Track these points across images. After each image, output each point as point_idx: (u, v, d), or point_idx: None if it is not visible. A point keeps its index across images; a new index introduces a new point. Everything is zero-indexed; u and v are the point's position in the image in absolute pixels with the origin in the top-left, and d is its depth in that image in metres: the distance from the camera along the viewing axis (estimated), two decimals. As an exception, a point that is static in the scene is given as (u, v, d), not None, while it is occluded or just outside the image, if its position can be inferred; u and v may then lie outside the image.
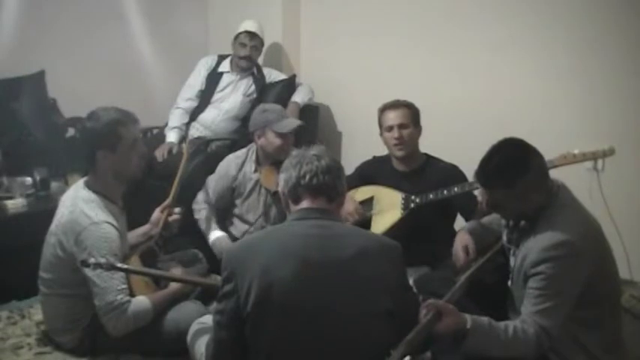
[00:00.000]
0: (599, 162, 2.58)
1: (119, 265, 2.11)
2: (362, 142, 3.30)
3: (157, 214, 2.49)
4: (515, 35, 3.09)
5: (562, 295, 1.77)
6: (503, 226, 2.08)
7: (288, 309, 1.55)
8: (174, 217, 2.49)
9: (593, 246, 1.83)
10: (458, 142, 2.91)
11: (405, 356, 1.56)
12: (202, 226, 3.02)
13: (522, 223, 1.93)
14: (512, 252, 2.00)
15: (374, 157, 2.98)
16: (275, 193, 2.93)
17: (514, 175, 1.79)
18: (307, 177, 1.67)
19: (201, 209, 3.05)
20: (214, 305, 1.74)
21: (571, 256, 1.76)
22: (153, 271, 2.34)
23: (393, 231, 2.60)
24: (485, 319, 1.78)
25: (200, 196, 3.09)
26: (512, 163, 1.81)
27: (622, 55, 2.74)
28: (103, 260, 2.04)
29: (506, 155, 1.83)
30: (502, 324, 1.78)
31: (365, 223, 2.74)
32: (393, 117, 2.71)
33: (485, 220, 2.34)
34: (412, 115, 2.72)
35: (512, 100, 3.07)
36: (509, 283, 2.01)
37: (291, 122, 2.96)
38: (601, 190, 2.37)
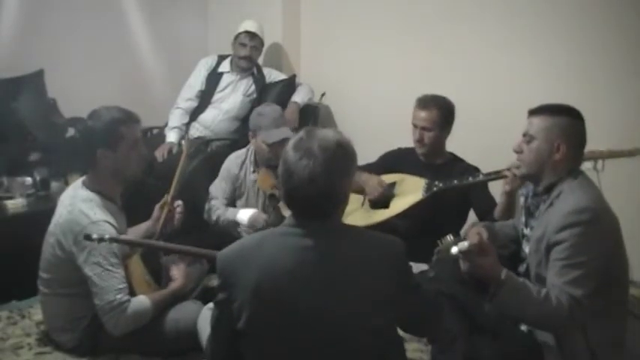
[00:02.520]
0: (599, 161, 2.57)
1: (122, 237, 2.13)
2: (362, 142, 3.26)
3: (156, 211, 2.49)
4: (515, 35, 3.09)
5: (587, 264, 1.75)
6: (522, 207, 2.10)
7: (283, 326, 1.51)
8: (178, 209, 2.48)
9: (611, 224, 1.85)
10: (457, 142, 2.91)
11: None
12: (225, 216, 2.98)
13: (541, 195, 1.95)
14: (526, 239, 2.02)
15: (399, 149, 2.99)
16: (271, 196, 2.91)
17: (562, 112, 1.91)
18: (296, 196, 1.52)
19: (222, 212, 3.01)
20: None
21: (593, 221, 1.76)
22: (154, 242, 2.34)
23: (411, 210, 2.66)
24: (518, 277, 1.79)
25: (207, 205, 3.06)
26: (567, 107, 1.94)
27: (622, 55, 2.74)
28: (106, 235, 2.06)
29: (564, 104, 1.96)
30: (535, 286, 1.79)
31: (386, 202, 2.77)
32: (418, 117, 2.74)
33: (498, 224, 2.33)
34: (440, 117, 2.72)
35: (512, 99, 3.07)
36: (521, 268, 2.03)
37: (281, 133, 2.82)
38: (601, 190, 2.36)
